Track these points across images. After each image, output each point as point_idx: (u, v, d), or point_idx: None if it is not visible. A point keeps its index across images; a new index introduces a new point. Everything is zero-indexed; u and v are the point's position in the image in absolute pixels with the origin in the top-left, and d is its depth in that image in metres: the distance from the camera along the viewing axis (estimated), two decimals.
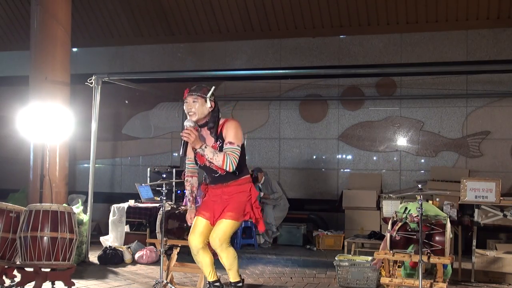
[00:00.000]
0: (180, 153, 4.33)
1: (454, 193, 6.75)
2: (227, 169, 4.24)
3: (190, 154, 4.53)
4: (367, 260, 5.98)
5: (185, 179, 4.62)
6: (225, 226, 4.35)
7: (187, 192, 4.63)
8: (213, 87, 4.39)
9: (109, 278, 6.34)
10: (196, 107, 4.30)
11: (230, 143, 4.29)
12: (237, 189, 4.42)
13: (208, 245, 4.49)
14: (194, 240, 4.44)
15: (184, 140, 4.23)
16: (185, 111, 4.37)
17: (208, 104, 4.33)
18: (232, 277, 4.50)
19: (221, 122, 4.42)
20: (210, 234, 4.40)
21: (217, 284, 4.56)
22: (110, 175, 10.41)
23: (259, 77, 8.74)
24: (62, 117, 6.97)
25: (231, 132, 4.32)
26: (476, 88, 8.60)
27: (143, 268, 6.97)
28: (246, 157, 4.64)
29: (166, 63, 10.15)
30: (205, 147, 4.21)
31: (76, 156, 10.09)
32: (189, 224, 4.61)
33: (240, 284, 4.52)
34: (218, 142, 4.34)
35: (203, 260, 4.49)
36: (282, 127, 9.52)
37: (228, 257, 4.41)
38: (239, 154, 4.28)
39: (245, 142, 4.54)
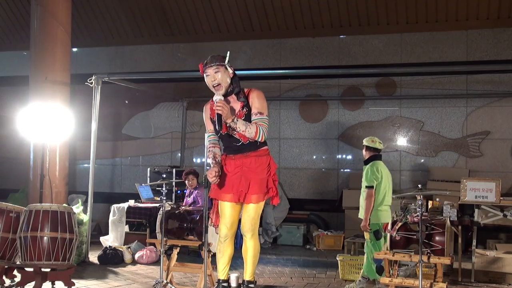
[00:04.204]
0: (217, 127, 4.25)
1: (454, 193, 6.74)
2: (259, 140, 4.24)
3: (209, 126, 4.48)
4: None
5: (208, 149, 4.46)
6: (253, 211, 4.37)
7: (209, 160, 4.47)
8: (228, 52, 4.33)
9: (109, 278, 6.34)
10: (220, 77, 4.25)
11: (260, 113, 4.27)
12: (257, 161, 4.37)
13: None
14: (225, 229, 4.45)
15: (218, 115, 4.16)
16: (209, 85, 4.30)
17: (229, 70, 4.30)
18: (249, 274, 4.50)
19: (245, 90, 4.39)
20: (242, 220, 4.41)
21: (225, 284, 4.57)
22: (110, 175, 10.41)
23: (259, 77, 8.74)
24: (62, 117, 6.97)
25: (259, 102, 4.30)
26: (476, 88, 8.60)
27: (143, 268, 6.97)
28: None
29: (166, 63, 10.15)
30: (237, 120, 4.17)
31: (76, 156, 10.09)
32: (209, 180, 4.39)
33: (252, 286, 4.52)
34: (245, 110, 4.29)
35: (226, 250, 4.48)
36: (282, 127, 9.52)
37: (254, 247, 4.43)
38: (268, 124, 4.29)
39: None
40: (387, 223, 5.65)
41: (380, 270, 5.54)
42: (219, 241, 4.50)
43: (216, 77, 4.27)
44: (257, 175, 4.36)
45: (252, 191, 4.34)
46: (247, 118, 4.27)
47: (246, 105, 4.31)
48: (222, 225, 4.46)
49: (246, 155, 4.37)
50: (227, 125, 4.24)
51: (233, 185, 4.38)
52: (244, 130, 4.18)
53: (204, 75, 4.33)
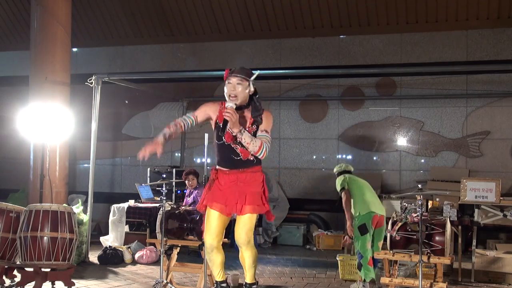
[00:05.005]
0: (219, 133, 4.23)
1: (454, 193, 6.75)
2: (261, 156, 4.21)
3: (200, 114, 4.38)
4: None
5: (174, 122, 4.37)
6: (249, 221, 4.30)
7: (166, 130, 4.36)
8: (258, 72, 4.33)
9: (109, 278, 6.34)
10: (239, 90, 4.21)
11: (266, 131, 4.26)
12: (252, 176, 4.34)
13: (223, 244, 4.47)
14: (210, 239, 4.37)
15: (224, 121, 4.11)
16: (226, 93, 4.24)
17: (251, 87, 4.28)
18: (249, 277, 4.45)
19: None
20: (236, 231, 4.35)
21: (224, 285, 4.53)
22: (110, 175, 10.41)
23: (259, 77, 8.73)
24: (62, 117, 6.98)
25: (266, 122, 4.29)
26: (476, 88, 8.60)
27: (143, 268, 6.97)
28: None
29: (166, 63, 10.15)
30: (244, 131, 4.14)
31: (76, 156, 10.08)
32: (139, 155, 4.28)
33: (254, 286, 4.48)
34: (254, 127, 4.28)
35: (216, 259, 4.43)
36: (282, 127, 9.52)
37: (251, 255, 4.37)
38: (270, 144, 4.27)
39: None
40: (379, 217, 5.65)
41: (359, 266, 5.57)
42: (207, 252, 4.46)
43: (237, 88, 4.22)
44: (253, 188, 4.33)
45: (248, 202, 4.31)
46: (254, 136, 4.28)
47: (255, 123, 4.28)
48: (207, 236, 4.39)
49: (241, 171, 4.34)
50: (234, 135, 4.21)
51: (227, 198, 4.33)
52: (249, 142, 4.14)
53: (226, 81, 4.29)
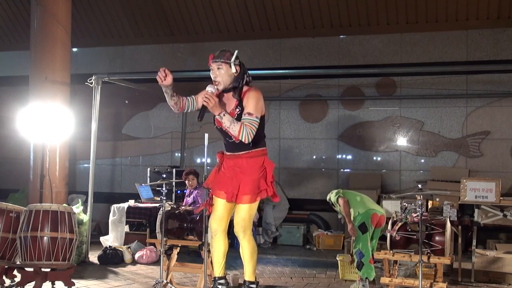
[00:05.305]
0: (198, 118, 4.19)
1: (454, 193, 6.75)
2: (243, 140, 4.13)
3: (200, 98, 4.32)
4: None
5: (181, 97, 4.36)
6: (245, 211, 4.29)
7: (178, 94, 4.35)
8: (237, 51, 4.28)
9: (109, 278, 6.34)
10: (222, 74, 4.21)
11: (249, 114, 4.15)
12: (249, 162, 4.29)
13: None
14: (215, 224, 4.39)
15: (203, 105, 4.13)
16: (212, 79, 4.27)
17: (233, 69, 4.22)
18: (248, 275, 4.40)
19: (244, 89, 4.28)
20: (234, 221, 4.36)
21: (222, 281, 4.48)
22: (110, 175, 10.41)
23: (259, 77, 8.74)
24: (62, 117, 6.98)
25: (251, 103, 4.19)
26: (476, 88, 8.60)
27: (143, 268, 6.98)
28: None
29: (166, 63, 10.14)
30: (224, 115, 4.09)
31: (76, 156, 10.09)
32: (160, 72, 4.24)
33: (253, 286, 4.42)
34: (238, 109, 4.23)
35: (218, 245, 4.40)
36: (282, 127, 9.52)
37: (249, 247, 4.34)
38: (257, 126, 4.15)
39: (266, 113, 4.41)
40: (380, 216, 5.64)
41: (359, 265, 5.56)
42: (210, 237, 4.45)
43: (218, 73, 4.23)
44: (248, 176, 4.28)
45: (243, 192, 4.28)
46: (238, 119, 4.20)
47: (240, 105, 4.26)
48: (212, 220, 4.42)
49: (238, 156, 4.32)
50: (215, 117, 4.22)
51: (226, 184, 4.35)
52: (229, 126, 4.11)
53: (210, 67, 4.31)
